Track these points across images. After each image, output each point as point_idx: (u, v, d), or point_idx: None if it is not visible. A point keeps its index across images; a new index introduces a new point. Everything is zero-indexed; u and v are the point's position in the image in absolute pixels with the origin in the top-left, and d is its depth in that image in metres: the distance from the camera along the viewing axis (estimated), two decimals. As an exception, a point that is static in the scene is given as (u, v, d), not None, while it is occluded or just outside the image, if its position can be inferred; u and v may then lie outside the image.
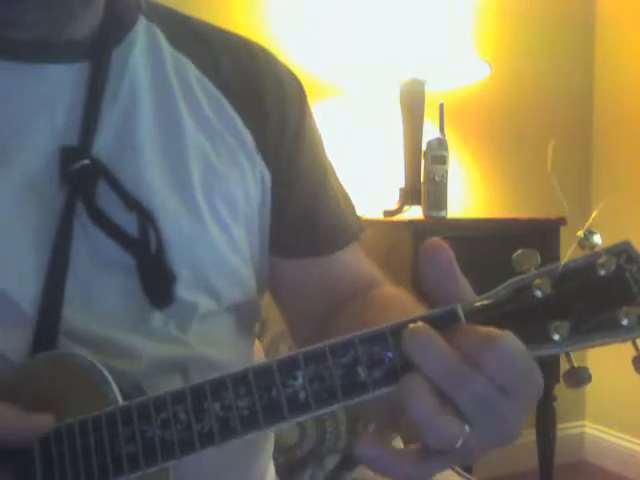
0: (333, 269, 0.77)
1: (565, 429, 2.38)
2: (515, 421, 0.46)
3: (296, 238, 0.75)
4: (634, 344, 0.45)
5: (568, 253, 0.45)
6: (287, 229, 0.74)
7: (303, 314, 0.78)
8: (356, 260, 0.79)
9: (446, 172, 1.86)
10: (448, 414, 0.44)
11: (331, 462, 1.32)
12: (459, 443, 0.44)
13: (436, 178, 1.85)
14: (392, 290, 0.75)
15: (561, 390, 1.94)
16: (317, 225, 0.76)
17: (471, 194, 2.29)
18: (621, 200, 2.34)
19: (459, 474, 1.20)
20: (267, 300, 0.80)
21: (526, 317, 0.46)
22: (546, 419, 1.98)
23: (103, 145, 0.63)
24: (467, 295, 0.48)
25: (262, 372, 0.48)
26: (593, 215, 0.43)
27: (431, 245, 0.47)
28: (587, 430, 2.51)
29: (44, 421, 0.52)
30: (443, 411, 0.44)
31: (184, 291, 0.64)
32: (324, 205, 0.76)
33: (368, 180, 2.07)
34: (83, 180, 0.61)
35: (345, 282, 0.77)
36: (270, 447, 0.78)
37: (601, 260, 0.45)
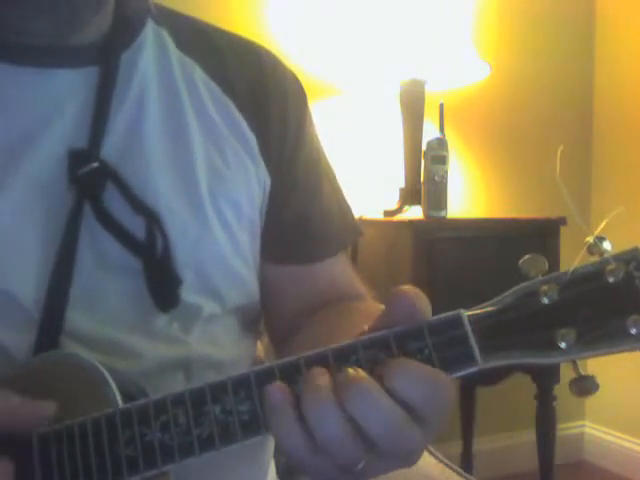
0: (316, 277, 0.77)
1: (565, 429, 2.38)
2: (422, 447, 0.47)
3: (284, 244, 0.75)
4: None
5: (577, 259, 0.44)
6: (277, 235, 0.74)
7: (281, 318, 0.77)
8: (341, 270, 0.79)
9: (446, 172, 1.86)
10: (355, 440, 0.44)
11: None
12: (360, 465, 0.45)
13: (436, 178, 1.84)
14: (372, 305, 0.75)
15: (561, 390, 1.94)
16: (306, 233, 0.76)
17: (471, 194, 2.29)
18: (621, 200, 2.34)
19: (459, 474, 1.19)
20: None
21: (532, 324, 0.45)
22: (546, 419, 1.97)
23: (111, 148, 0.63)
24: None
25: (263, 376, 0.48)
26: (604, 223, 0.43)
27: (400, 291, 0.47)
28: (587, 430, 2.51)
29: (46, 406, 0.52)
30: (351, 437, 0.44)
31: (189, 294, 0.64)
32: (315, 213, 0.76)
33: (368, 180, 2.07)
34: (91, 183, 0.62)
35: (327, 291, 0.77)
36: (271, 447, 0.78)
37: (610, 267, 0.44)
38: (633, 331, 0.43)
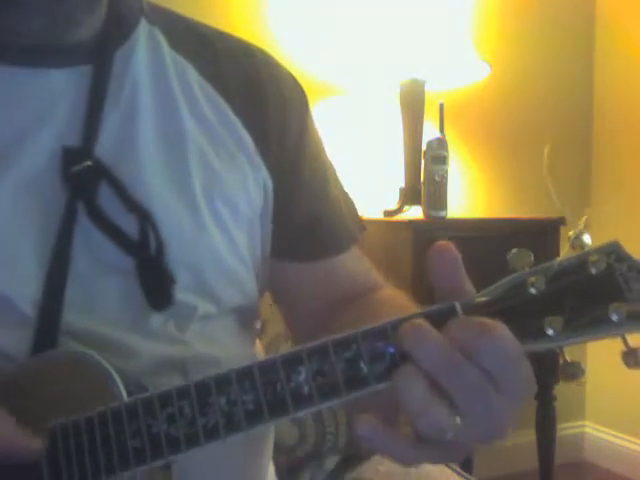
0: (334, 272, 0.77)
1: (565, 429, 2.38)
2: (505, 415, 0.47)
3: (298, 242, 0.75)
4: (623, 339, 0.46)
5: (562, 253, 0.47)
6: (289, 233, 0.74)
7: (303, 316, 0.78)
8: (357, 263, 0.79)
9: (446, 172, 1.86)
10: (442, 403, 0.45)
11: (331, 462, 1.32)
12: (450, 434, 0.45)
13: (436, 178, 1.85)
14: (392, 292, 0.76)
15: (561, 390, 1.94)
16: (319, 229, 0.76)
17: (471, 194, 2.30)
18: (620, 200, 2.34)
19: (459, 474, 1.20)
20: (267, 300, 0.80)
21: (521, 313, 0.47)
22: (546, 419, 1.98)
23: (105, 147, 0.63)
24: (469, 291, 0.49)
25: (266, 367, 0.49)
26: (584, 218, 0.46)
27: (440, 245, 0.49)
28: (587, 430, 2.51)
29: (34, 444, 0.52)
30: (437, 400, 0.45)
31: (183, 294, 0.64)
32: (326, 209, 0.77)
33: (368, 180, 2.07)
34: (85, 181, 0.62)
35: (346, 284, 0.77)
36: (270, 447, 0.78)
37: (592, 259, 0.47)
38: (614, 318, 0.45)
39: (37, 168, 0.61)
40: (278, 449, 0.86)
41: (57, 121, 0.63)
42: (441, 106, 1.89)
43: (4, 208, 0.60)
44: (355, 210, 0.82)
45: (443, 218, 1.86)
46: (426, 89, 1.95)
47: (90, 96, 0.64)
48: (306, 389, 0.48)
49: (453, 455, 0.49)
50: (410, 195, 1.93)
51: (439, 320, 0.47)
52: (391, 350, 0.48)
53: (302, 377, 0.48)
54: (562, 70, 2.40)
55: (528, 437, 2.02)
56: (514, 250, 0.48)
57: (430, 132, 1.95)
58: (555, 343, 0.46)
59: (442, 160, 1.86)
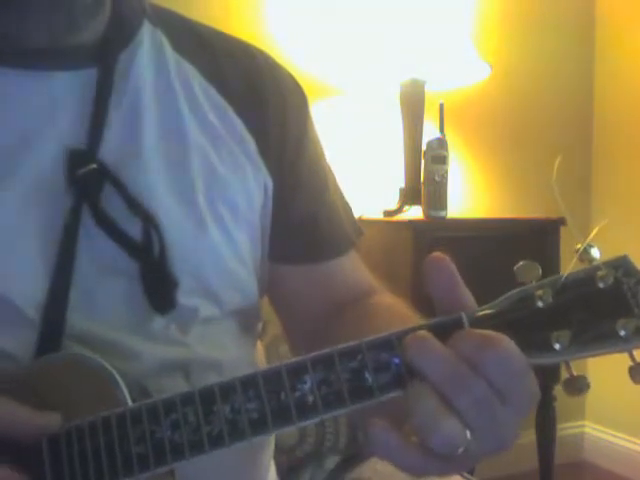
0: (330, 276, 0.77)
1: (565, 429, 2.38)
2: (512, 427, 0.47)
3: (295, 244, 0.75)
4: (630, 354, 0.46)
5: (569, 266, 0.46)
6: (286, 235, 0.74)
7: (299, 319, 0.78)
8: (354, 267, 0.79)
9: (446, 172, 1.86)
10: (453, 418, 0.45)
11: (331, 462, 1.33)
12: (461, 449, 0.45)
13: (436, 178, 1.85)
14: (390, 299, 0.76)
15: (561, 390, 1.93)
16: (316, 232, 0.76)
17: (471, 194, 2.30)
18: (621, 200, 2.34)
19: (459, 474, 1.20)
20: (268, 302, 0.80)
21: (528, 326, 0.47)
22: (546, 419, 1.98)
23: (109, 150, 0.63)
24: (469, 304, 0.49)
25: (271, 376, 0.49)
26: (594, 232, 0.45)
27: (434, 258, 0.49)
28: (587, 430, 2.51)
29: (52, 420, 0.52)
30: (448, 415, 0.45)
31: (185, 297, 0.64)
32: (324, 212, 0.77)
33: (368, 180, 2.07)
34: (89, 184, 0.62)
35: (342, 289, 0.77)
36: (271, 448, 0.78)
37: (600, 273, 0.46)
38: (622, 333, 0.45)
39: (42, 171, 0.61)
40: (278, 449, 0.86)
41: (61, 124, 0.63)
42: (441, 106, 1.88)
43: (9, 211, 0.60)
44: (353, 216, 0.82)
45: (443, 218, 1.86)
46: (426, 89, 1.95)
47: (94, 99, 0.64)
48: (311, 398, 0.48)
49: (459, 467, 0.49)
50: (410, 195, 1.93)
51: (445, 331, 0.47)
52: (396, 361, 0.48)
53: (307, 386, 0.48)
54: (562, 70, 2.40)
55: (528, 437, 2.02)
56: (521, 262, 0.48)
57: (430, 132, 1.95)
58: (562, 357, 0.46)
59: (442, 160, 1.86)
